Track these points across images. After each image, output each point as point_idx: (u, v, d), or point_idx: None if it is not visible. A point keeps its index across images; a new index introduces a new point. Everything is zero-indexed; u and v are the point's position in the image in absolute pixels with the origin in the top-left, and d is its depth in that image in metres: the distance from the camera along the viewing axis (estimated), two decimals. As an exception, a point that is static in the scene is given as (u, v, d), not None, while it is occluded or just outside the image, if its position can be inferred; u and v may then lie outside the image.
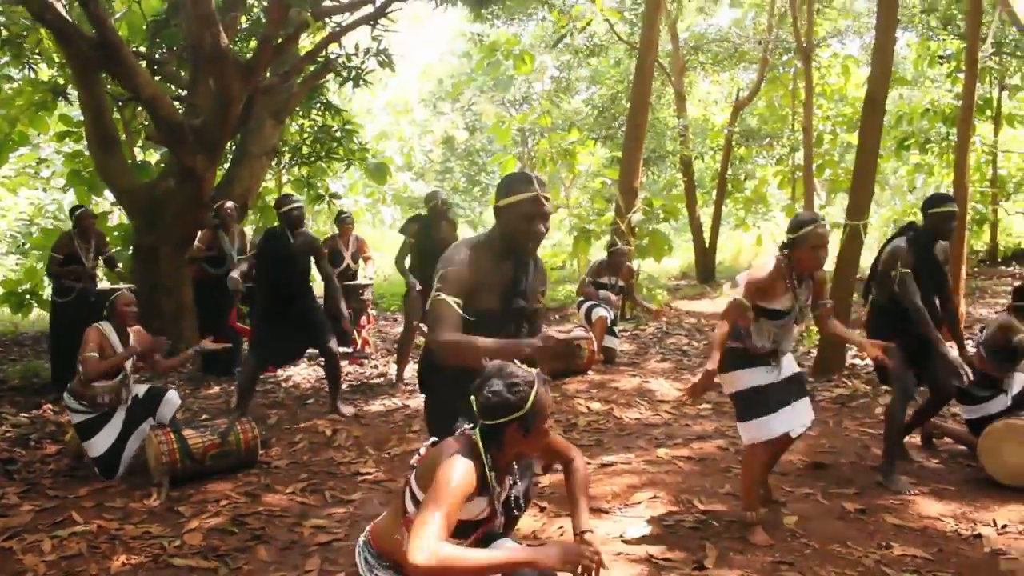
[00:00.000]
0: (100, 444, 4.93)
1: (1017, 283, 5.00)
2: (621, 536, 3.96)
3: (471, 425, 2.41)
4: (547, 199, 2.89)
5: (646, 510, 4.31)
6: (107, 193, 10.50)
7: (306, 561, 3.80)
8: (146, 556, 3.85)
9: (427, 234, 6.84)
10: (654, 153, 17.11)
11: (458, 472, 2.21)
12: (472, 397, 2.35)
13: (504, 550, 2.26)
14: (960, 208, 9.20)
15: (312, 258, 6.25)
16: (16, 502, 4.55)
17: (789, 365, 4.02)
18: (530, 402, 2.29)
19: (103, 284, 7.89)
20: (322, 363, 8.39)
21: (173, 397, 5.16)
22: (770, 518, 4.08)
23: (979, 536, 3.86)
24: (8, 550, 3.91)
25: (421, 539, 2.08)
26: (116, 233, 9.86)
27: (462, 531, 2.34)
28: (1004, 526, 3.96)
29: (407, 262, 7.01)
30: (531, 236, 2.87)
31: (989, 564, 3.56)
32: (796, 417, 3.93)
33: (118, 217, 12.70)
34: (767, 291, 3.80)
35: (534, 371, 2.37)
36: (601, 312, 8.06)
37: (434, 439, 2.47)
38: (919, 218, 4.86)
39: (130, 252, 8.65)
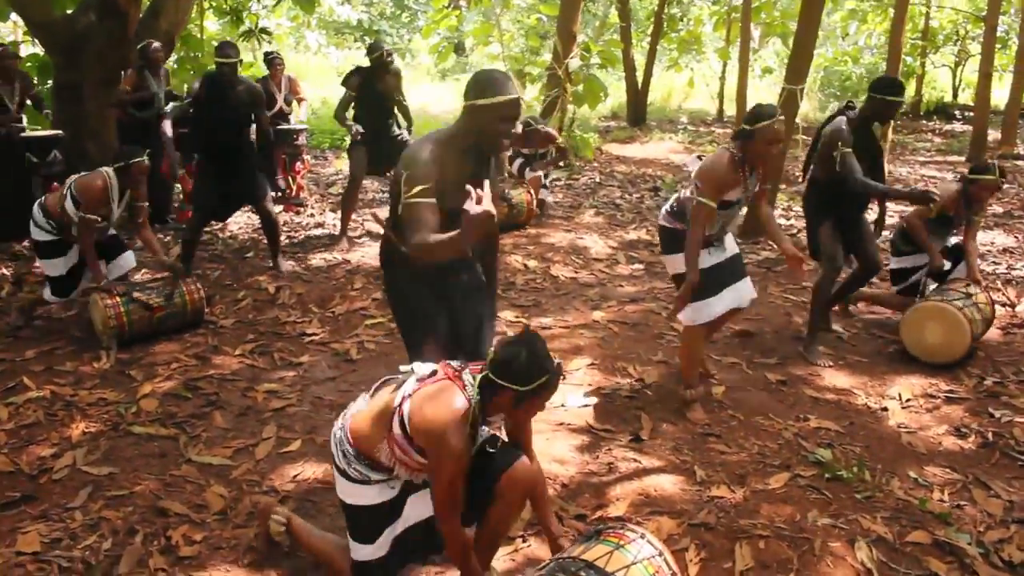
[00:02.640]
0: (60, 265, 4.93)
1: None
2: (563, 405, 4.21)
3: (470, 367, 2.51)
4: (523, 100, 2.99)
5: (584, 377, 4.58)
6: (14, 17, 9.78)
7: (263, 428, 3.97)
8: (104, 424, 3.95)
9: (370, 86, 6.72)
10: (592, -12, 16.60)
11: (457, 441, 2.35)
12: (495, 349, 2.47)
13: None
14: (894, 61, 9.39)
15: (252, 110, 6.10)
16: (-38, 366, 4.56)
17: (730, 245, 4.18)
18: (535, 385, 2.39)
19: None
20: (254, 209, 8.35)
21: (128, 260, 5.15)
22: (703, 390, 4.39)
23: (885, 409, 4.25)
24: (-37, 418, 3.97)
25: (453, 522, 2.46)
26: (29, 64, 9.24)
27: None
28: (908, 400, 4.36)
29: (350, 116, 6.85)
30: (506, 136, 2.96)
31: (893, 437, 3.95)
32: (738, 297, 4.11)
33: (23, 46, 11.84)
34: (726, 186, 3.86)
35: (558, 363, 2.45)
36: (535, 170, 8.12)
37: (426, 370, 2.53)
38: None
39: (47, 87, 8.19)
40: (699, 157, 4.21)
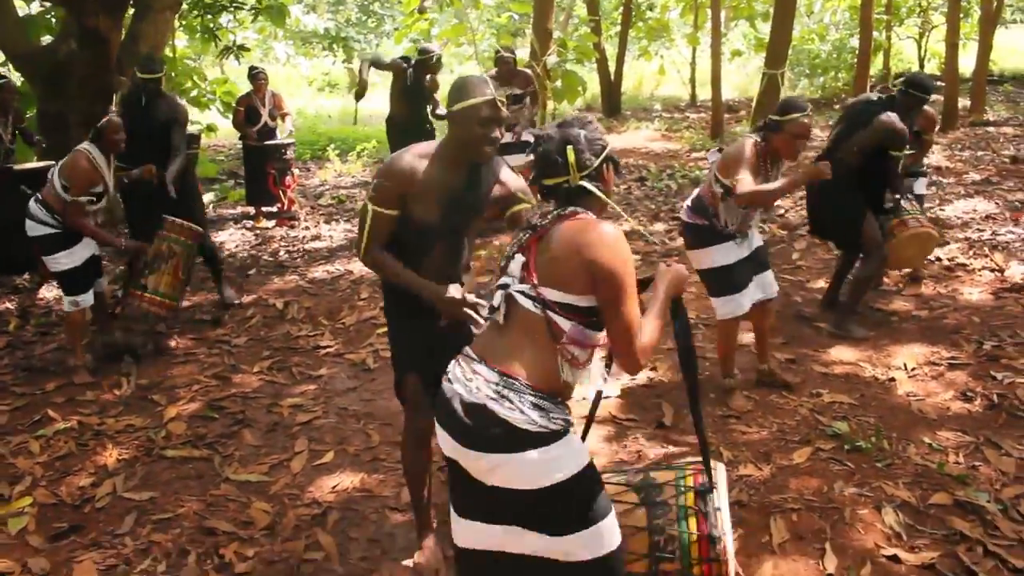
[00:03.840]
0: (76, 256, 4.79)
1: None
2: (584, 399, 4.31)
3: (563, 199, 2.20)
4: (503, 102, 2.82)
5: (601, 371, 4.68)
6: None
7: (293, 442, 4.05)
8: (137, 450, 4.02)
9: (412, 79, 7.39)
10: (558, -17, 16.71)
11: (624, 247, 2.05)
12: (549, 160, 2.20)
13: (656, 302, 2.20)
14: (866, 36, 9.59)
15: (170, 125, 5.66)
16: (-15, 403, 4.60)
17: (753, 238, 4.22)
18: (606, 140, 2.24)
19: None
20: (249, 226, 8.41)
21: (101, 284, 5.17)
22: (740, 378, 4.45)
23: (893, 380, 4.39)
24: (-3, 454, 4.02)
25: (639, 337, 2.06)
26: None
27: None
28: (913, 369, 4.51)
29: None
30: (486, 141, 2.79)
31: (904, 406, 4.10)
32: (763, 286, 4.19)
33: None
34: (752, 169, 3.87)
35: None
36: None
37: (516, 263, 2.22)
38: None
39: (31, 116, 8.17)
40: (719, 149, 4.30)
